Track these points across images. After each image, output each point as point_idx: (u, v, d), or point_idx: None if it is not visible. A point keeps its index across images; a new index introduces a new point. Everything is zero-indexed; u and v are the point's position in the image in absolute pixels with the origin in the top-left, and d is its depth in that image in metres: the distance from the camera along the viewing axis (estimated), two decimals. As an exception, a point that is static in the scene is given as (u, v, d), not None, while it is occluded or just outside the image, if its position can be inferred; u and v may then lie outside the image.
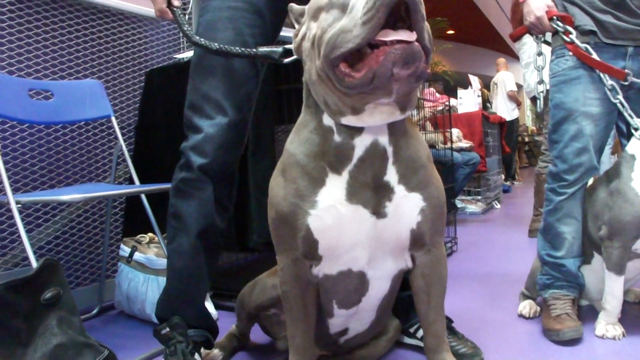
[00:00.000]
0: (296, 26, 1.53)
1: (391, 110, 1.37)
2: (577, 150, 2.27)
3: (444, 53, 13.44)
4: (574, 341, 2.15)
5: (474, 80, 7.45)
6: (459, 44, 15.98)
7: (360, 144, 1.44)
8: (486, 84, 10.13)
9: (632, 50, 2.24)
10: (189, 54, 3.26)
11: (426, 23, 1.29)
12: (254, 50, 1.74)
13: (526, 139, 13.93)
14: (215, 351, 2.07)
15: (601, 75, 2.22)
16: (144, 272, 2.65)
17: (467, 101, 6.84)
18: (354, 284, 1.60)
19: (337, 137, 1.44)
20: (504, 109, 9.42)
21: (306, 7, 1.47)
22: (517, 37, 2.57)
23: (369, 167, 1.45)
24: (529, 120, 16.93)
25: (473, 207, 6.35)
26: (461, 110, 6.72)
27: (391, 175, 1.47)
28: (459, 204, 6.27)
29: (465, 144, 5.62)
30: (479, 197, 6.66)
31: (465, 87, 7.55)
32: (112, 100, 3.08)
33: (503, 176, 8.55)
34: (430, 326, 1.68)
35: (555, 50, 2.36)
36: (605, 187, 2.25)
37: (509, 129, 8.91)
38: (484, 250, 4.20)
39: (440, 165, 4.83)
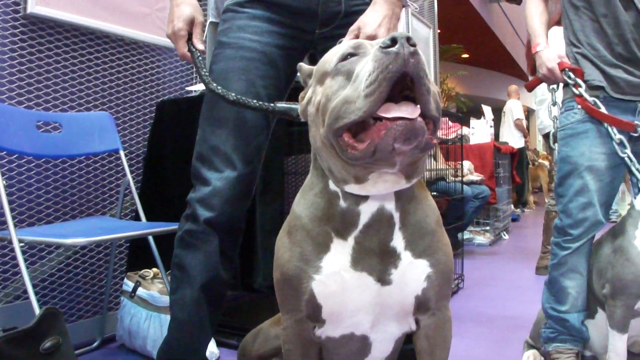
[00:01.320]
0: (304, 87, 1.52)
1: (396, 180, 1.34)
2: (581, 205, 2.25)
3: (458, 78, 13.43)
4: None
5: (487, 111, 7.44)
6: (474, 67, 15.99)
7: (366, 210, 1.41)
8: (500, 108, 10.12)
9: None
10: (201, 86, 3.25)
11: (434, 88, 1.28)
12: (272, 105, 1.71)
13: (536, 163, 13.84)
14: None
15: (609, 128, 2.20)
16: (146, 309, 2.63)
17: (479, 132, 6.83)
18: (356, 347, 1.58)
19: (342, 203, 1.42)
20: (510, 137, 9.39)
21: (314, 68, 1.46)
22: (531, 88, 2.56)
23: (374, 233, 1.42)
24: (539, 145, 16.90)
25: (481, 239, 6.31)
26: (473, 140, 6.70)
27: (398, 241, 1.45)
28: (466, 235, 6.25)
29: (476, 177, 5.60)
30: (487, 228, 6.63)
31: (478, 117, 7.53)
32: (121, 131, 3.07)
33: (512, 206, 8.50)
34: None
35: (565, 102, 2.35)
36: (611, 244, 2.23)
37: (519, 158, 8.88)
38: (490, 287, 4.16)
39: (449, 198, 4.82)
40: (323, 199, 1.45)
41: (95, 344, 2.82)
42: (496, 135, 8.49)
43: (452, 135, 6.49)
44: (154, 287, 2.66)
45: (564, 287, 2.31)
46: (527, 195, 10.75)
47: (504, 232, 7.01)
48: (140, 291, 2.67)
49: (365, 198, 1.40)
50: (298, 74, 1.61)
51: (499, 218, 6.78)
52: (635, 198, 2.22)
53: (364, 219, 1.41)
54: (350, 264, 1.42)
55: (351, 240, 1.42)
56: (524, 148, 9.70)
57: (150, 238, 2.58)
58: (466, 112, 9.73)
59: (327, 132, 1.29)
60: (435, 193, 5.01)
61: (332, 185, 1.43)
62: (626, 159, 2.20)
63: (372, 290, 1.44)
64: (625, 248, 2.14)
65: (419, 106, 1.18)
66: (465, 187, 5.18)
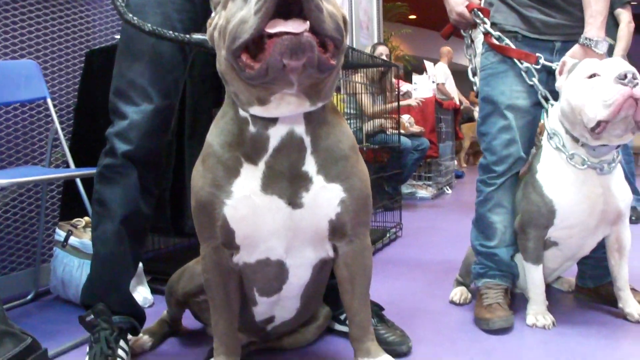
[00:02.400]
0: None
1: (299, 102, 1.37)
2: (505, 142, 2.31)
3: (404, 37, 13.43)
4: (504, 330, 2.17)
5: (429, 67, 7.48)
6: (419, 28, 15.98)
7: (276, 134, 1.44)
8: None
9: (559, 45, 2.29)
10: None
11: (336, 10, 1.31)
12: (188, 36, 1.72)
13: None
14: (145, 337, 2.06)
15: (515, 60, 2.26)
16: (78, 257, 2.61)
17: (421, 87, 6.87)
18: (273, 273, 1.61)
19: (252, 128, 1.44)
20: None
21: None
22: (447, 35, 2.58)
23: (285, 157, 1.45)
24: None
25: (423, 192, 6.39)
26: (415, 95, 6.74)
27: (310, 166, 1.47)
28: (408, 189, 6.32)
29: (415, 129, 5.64)
30: (430, 182, 6.71)
31: (421, 73, 7.57)
32: (50, 81, 3.02)
33: (456, 162, 8.60)
34: (355, 316, 1.69)
35: (484, 43, 2.38)
36: (524, 180, 2.30)
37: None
38: (429, 236, 4.23)
39: (389, 150, 4.86)
40: (233, 125, 1.47)
41: (30, 297, 2.79)
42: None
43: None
44: (86, 235, 2.64)
45: (491, 223, 2.37)
46: (462, 154, 10.80)
47: (447, 187, 7.10)
48: (72, 240, 2.65)
49: (274, 122, 1.42)
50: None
51: (441, 173, 6.87)
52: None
53: (273, 143, 1.44)
54: (261, 188, 1.45)
55: (262, 165, 1.45)
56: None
57: (80, 185, 2.56)
58: (411, 70, 9.75)
59: (227, 54, 1.31)
60: (375, 145, 5.05)
61: (242, 112, 1.45)
62: (535, 86, 2.27)
63: (283, 213, 1.46)
64: (531, 182, 2.21)
65: (308, 22, 1.20)
66: (404, 139, 5.23)
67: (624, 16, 4.23)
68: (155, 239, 3.41)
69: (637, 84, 1.88)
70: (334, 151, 1.50)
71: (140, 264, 2.57)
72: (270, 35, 1.20)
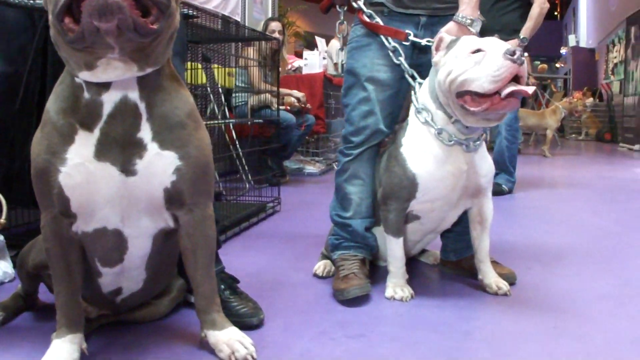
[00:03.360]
0: None
1: (126, 66, 1.38)
2: (363, 113, 2.36)
3: (301, 13, 13.45)
4: (361, 302, 2.21)
5: (321, 42, 7.51)
6: (316, 4, 16.01)
7: (109, 100, 1.44)
8: (339, 45, 10.18)
9: (425, 19, 2.34)
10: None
11: None
12: (31, 1, 1.68)
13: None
14: (-4, 311, 1.99)
15: (383, 38, 2.30)
16: None
17: (312, 63, 6.89)
18: (111, 242, 1.61)
19: (86, 94, 1.44)
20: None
21: None
22: (325, 9, 2.59)
23: (119, 123, 1.45)
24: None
25: (311, 168, 6.44)
26: (305, 71, 6.77)
27: (145, 133, 1.48)
28: (296, 164, 6.36)
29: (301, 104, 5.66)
30: (319, 159, 6.76)
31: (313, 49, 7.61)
32: None
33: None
34: (199, 287, 1.71)
35: (355, 18, 2.42)
36: (387, 153, 2.33)
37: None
38: (308, 211, 4.27)
39: (273, 125, 4.86)
40: (69, 91, 1.47)
41: None
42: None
43: (287, 67, 6.57)
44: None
45: (347, 193, 2.42)
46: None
47: (336, 163, 7.15)
48: None
49: (107, 88, 1.43)
50: None
51: (330, 148, 6.92)
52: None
53: (107, 109, 1.44)
54: (94, 155, 1.45)
55: (97, 131, 1.45)
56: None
57: None
58: (307, 47, 9.78)
59: (52, 18, 1.33)
60: (260, 120, 5.05)
61: (78, 79, 1.44)
62: (401, 65, 2.32)
63: (116, 181, 1.47)
64: (394, 155, 2.25)
65: None
66: (287, 114, 5.26)
67: None
68: (26, 214, 3.31)
69: (523, 62, 1.93)
70: (169, 118, 1.51)
71: (2, 238, 2.49)
72: None
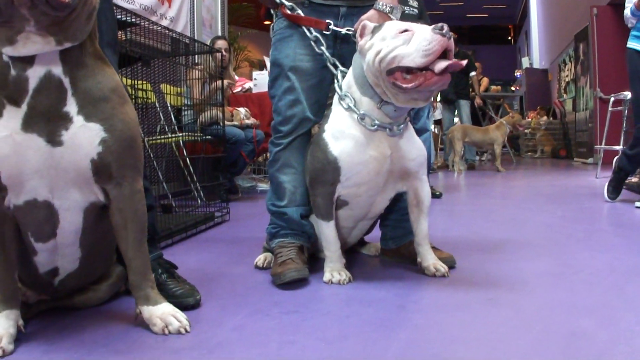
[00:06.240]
0: None
1: (44, 40, 1.46)
2: (289, 102, 2.45)
3: (251, 38, 13.62)
4: (298, 286, 2.27)
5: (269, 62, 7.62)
6: (265, 32, 16.26)
7: (34, 76, 1.51)
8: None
9: (345, 10, 2.45)
10: None
11: None
12: None
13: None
14: None
15: (305, 29, 2.39)
16: None
17: (261, 82, 6.98)
18: (43, 215, 1.65)
19: (12, 71, 1.51)
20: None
21: None
22: (264, 16, 2.69)
23: (45, 98, 1.52)
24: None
25: (264, 186, 6.49)
26: (255, 90, 6.86)
27: (71, 106, 1.56)
28: (249, 183, 6.42)
29: (252, 121, 5.74)
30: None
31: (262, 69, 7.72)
32: None
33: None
34: (132, 262, 1.77)
35: (277, 12, 2.52)
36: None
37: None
38: (257, 220, 4.30)
39: (224, 141, 4.93)
40: None
41: None
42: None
43: (238, 89, 6.65)
44: None
45: (281, 182, 2.49)
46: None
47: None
48: None
49: (31, 63, 1.50)
50: None
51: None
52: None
53: (32, 84, 1.51)
54: (21, 127, 1.51)
55: (24, 106, 1.52)
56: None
57: None
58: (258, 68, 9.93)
59: None
60: (209, 137, 5.11)
61: (4, 56, 1.51)
62: (324, 55, 2.41)
63: (43, 151, 1.53)
64: (317, 141, 2.34)
65: None
66: (235, 129, 5.34)
67: None
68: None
69: (451, 37, 2.04)
70: (93, 92, 1.58)
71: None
72: None
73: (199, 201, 4.82)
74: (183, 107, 5.41)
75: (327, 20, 2.38)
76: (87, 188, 1.64)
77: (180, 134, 5.07)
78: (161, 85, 5.02)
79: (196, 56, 5.56)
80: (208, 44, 5.79)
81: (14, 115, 1.51)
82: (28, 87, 1.51)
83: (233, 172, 5.60)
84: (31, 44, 1.45)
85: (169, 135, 4.91)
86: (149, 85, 4.77)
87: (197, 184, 4.99)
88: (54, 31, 1.46)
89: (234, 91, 6.48)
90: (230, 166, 5.43)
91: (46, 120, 1.52)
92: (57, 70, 1.53)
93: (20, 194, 1.59)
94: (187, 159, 5.02)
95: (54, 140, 1.53)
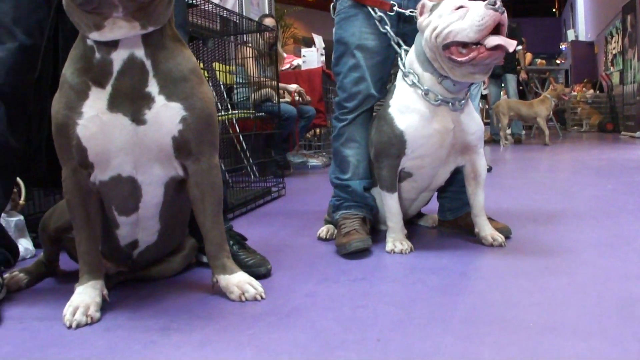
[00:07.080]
0: None
1: (130, 25, 1.55)
2: (354, 79, 2.51)
3: (297, 16, 13.65)
4: (362, 255, 2.35)
5: (318, 39, 7.65)
6: (310, 10, 16.27)
7: (118, 59, 1.60)
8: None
9: None
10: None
11: None
12: None
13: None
14: (21, 275, 2.11)
15: (370, 9, 2.43)
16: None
17: (310, 59, 7.03)
18: (126, 189, 1.75)
19: (97, 54, 1.61)
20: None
21: None
22: None
23: (128, 79, 1.62)
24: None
25: (315, 161, 6.58)
26: (304, 67, 6.91)
27: (152, 87, 1.64)
28: (300, 159, 6.50)
29: (306, 98, 5.81)
30: (321, 152, 6.91)
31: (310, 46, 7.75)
32: None
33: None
34: (209, 233, 1.85)
35: None
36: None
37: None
38: (312, 194, 4.41)
39: (275, 117, 5.00)
40: (83, 53, 1.63)
41: None
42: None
43: (286, 67, 6.70)
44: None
45: (345, 156, 2.57)
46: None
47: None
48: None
49: (115, 47, 1.59)
50: None
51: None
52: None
53: (116, 66, 1.61)
54: (107, 107, 1.61)
55: (109, 87, 1.61)
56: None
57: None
58: (305, 45, 9.95)
59: None
60: (263, 114, 5.20)
61: (89, 41, 1.60)
62: (388, 34, 2.47)
63: (128, 130, 1.63)
64: (383, 116, 2.41)
65: None
66: (288, 106, 5.41)
67: None
68: (44, 203, 3.42)
69: (504, 11, 2.09)
70: (173, 73, 1.67)
71: (22, 217, 2.65)
72: None
73: (252, 177, 4.92)
74: (235, 85, 5.50)
75: (392, 2, 2.43)
76: (168, 163, 1.73)
77: (234, 112, 5.16)
78: (214, 64, 5.11)
79: (244, 35, 5.63)
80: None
81: (100, 97, 1.61)
82: (112, 70, 1.60)
83: (285, 148, 5.69)
84: (117, 29, 1.54)
85: (222, 113, 5.00)
86: (202, 64, 4.86)
87: (250, 160, 5.09)
88: (139, 16, 1.54)
89: (282, 68, 6.55)
90: (283, 142, 5.51)
91: (130, 101, 1.61)
92: (140, 53, 1.61)
93: (106, 170, 1.69)
94: (240, 136, 5.12)
95: (137, 119, 1.62)
